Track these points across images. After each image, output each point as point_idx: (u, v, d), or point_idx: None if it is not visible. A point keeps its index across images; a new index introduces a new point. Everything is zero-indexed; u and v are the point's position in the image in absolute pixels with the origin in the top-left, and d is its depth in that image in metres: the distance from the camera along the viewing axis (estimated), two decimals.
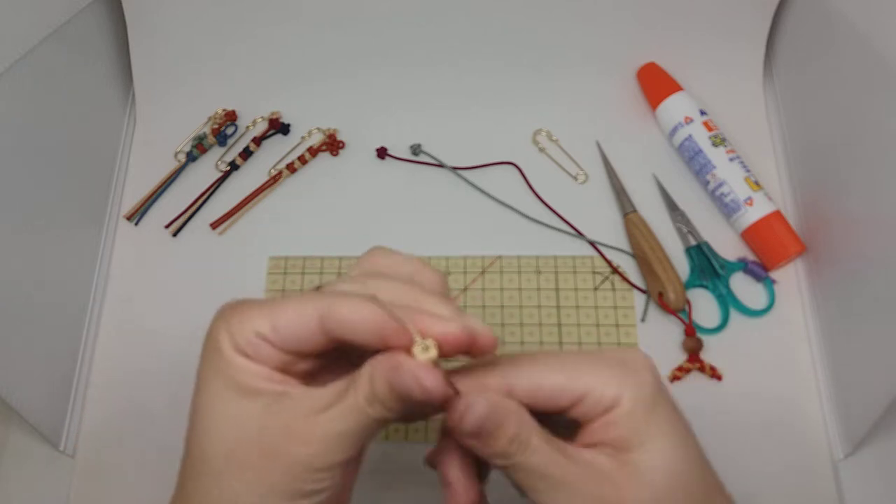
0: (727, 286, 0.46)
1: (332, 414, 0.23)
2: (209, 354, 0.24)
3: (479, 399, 0.23)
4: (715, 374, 0.44)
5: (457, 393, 0.23)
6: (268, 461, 0.23)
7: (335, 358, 0.26)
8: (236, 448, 0.23)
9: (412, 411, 0.23)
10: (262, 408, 0.23)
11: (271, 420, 0.23)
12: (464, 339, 0.23)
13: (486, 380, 0.25)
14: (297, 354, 0.24)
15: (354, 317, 0.23)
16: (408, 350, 0.23)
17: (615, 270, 0.47)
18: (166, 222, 0.50)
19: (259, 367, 0.24)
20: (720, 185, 0.47)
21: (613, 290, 0.47)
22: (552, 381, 0.24)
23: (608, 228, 0.49)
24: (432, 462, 0.27)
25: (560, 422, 0.25)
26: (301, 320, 0.23)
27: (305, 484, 0.23)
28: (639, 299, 0.47)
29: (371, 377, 0.23)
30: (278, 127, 0.53)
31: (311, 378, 0.25)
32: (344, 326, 0.23)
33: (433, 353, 0.23)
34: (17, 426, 0.43)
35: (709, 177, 0.48)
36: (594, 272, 0.47)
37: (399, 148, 0.52)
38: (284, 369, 0.24)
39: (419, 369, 0.22)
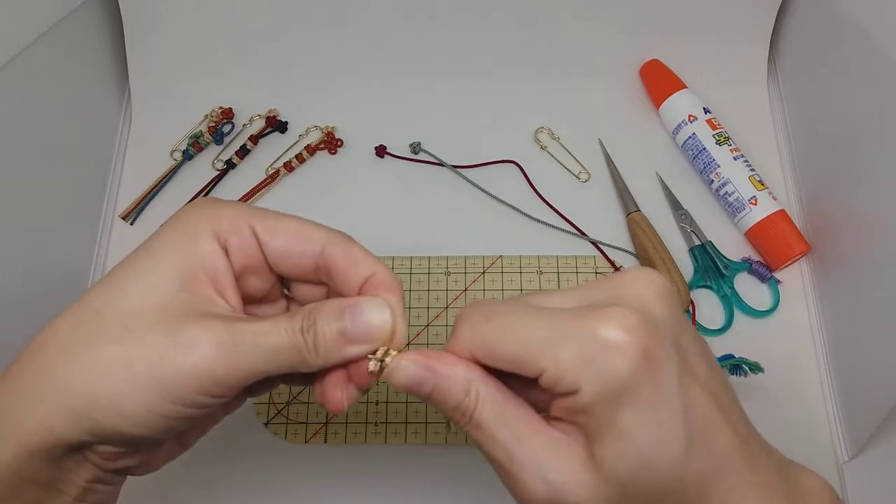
0: (731, 286, 0.46)
1: (263, 327, 0.22)
2: (175, 232, 0.24)
3: (406, 363, 0.22)
4: None
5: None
6: (170, 358, 0.21)
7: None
8: (154, 321, 0.22)
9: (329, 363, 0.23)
10: (190, 304, 0.22)
11: (193, 317, 0.22)
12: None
13: (449, 346, 0.24)
14: (270, 269, 0.24)
15: (366, 259, 0.24)
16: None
17: (618, 271, 0.47)
18: (162, 222, 0.49)
19: (223, 266, 0.23)
20: (724, 183, 0.47)
21: None
22: (507, 351, 0.22)
23: (611, 228, 0.48)
24: None
25: None
26: (304, 238, 0.24)
27: (193, 394, 0.22)
28: None
29: (315, 312, 0.23)
30: (276, 125, 0.52)
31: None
32: (347, 263, 0.24)
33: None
34: None
35: (713, 175, 0.47)
36: (597, 272, 0.47)
37: (398, 146, 0.51)
38: (240, 278, 0.24)
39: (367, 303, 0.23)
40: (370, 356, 0.23)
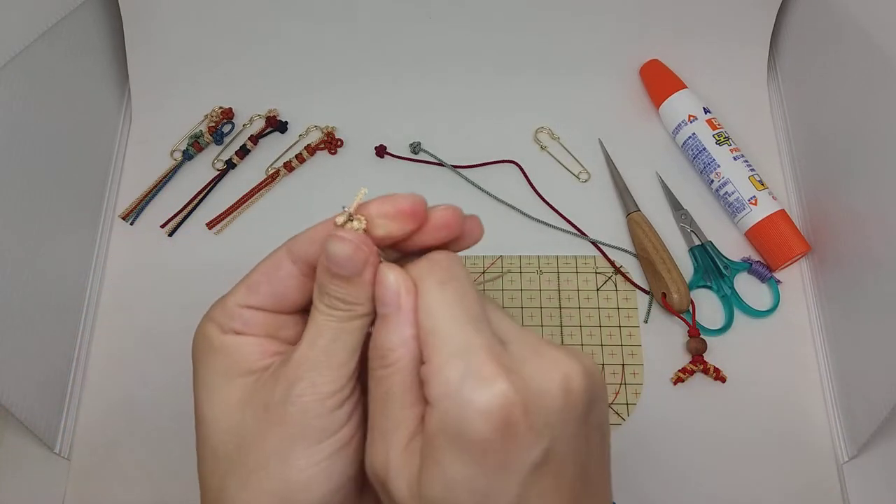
0: (731, 286, 0.46)
1: (308, 336, 0.23)
2: (200, 351, 0.25)
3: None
4: (719, 376, 0.43)
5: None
6: (279, 411, 0.23)
7: None
8: (245, 418, 0.23)
9: (358, 290, 0.23)
10: (258, 378, 0.24)
11: (270, 379, 0.24)
12: (406, 209, 0.24)
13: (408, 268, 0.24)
14: (280, 308, 0.25)
15: (312, 231, 0.25)
16: None
17: (618, 271, 0.47)
18: (162, 222, 0.49)
19: (251, 340, 0.24)
20: (724, 183, 0.47)
21: (616, 290, 0.46)
22: (427, 323, 0.22)
23: (611, 228, 0.48)
24: None
25: None
26: (272, 265, 0.25)
27: (317, 419, 0.23)
28: (642, 300, 0.46)
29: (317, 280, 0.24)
30: (276, 125, 0.52)
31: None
32: (307, 244, 0.24)
33: (360, 224, 0.24)
34: (12, 428, 0.42)
35: (713, 175, 0.47)
36: (597, 272, 0.47)
37: (398, 146, 0.51)
38: (274, 335, 0.25)
39: (336, 229, 0.23)
40: (344, 208, 0.24)
